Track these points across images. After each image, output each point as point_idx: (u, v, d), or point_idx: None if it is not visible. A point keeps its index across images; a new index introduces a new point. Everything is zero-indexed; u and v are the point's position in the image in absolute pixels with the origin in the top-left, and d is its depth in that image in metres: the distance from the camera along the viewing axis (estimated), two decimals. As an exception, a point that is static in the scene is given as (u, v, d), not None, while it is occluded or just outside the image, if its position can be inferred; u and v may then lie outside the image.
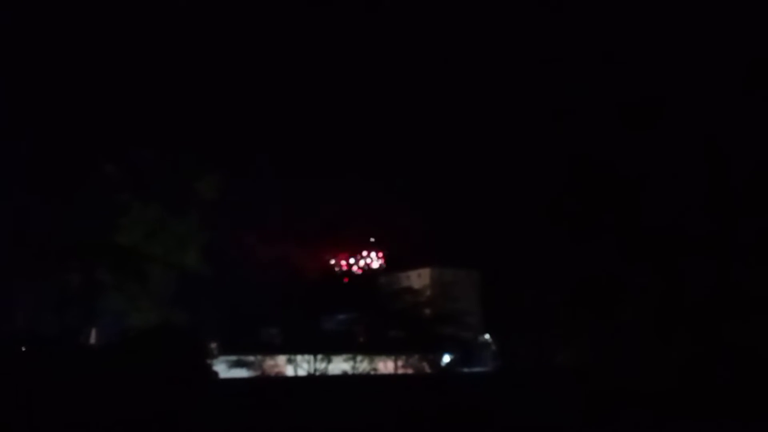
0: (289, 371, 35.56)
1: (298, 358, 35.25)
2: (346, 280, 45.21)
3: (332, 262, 44.53)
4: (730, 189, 33.38)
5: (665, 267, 33.13)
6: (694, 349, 30.78)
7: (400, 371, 37.63)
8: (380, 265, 47.15)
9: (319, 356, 35.05)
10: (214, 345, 35.72)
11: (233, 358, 34.81)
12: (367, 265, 46.76)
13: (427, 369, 38.36)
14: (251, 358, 34.97)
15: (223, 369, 34.02)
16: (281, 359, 35.93)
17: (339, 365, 35.68)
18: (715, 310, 31.44)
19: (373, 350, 36.92)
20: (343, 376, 34.02)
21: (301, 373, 35.04)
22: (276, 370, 35.52)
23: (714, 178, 33.63)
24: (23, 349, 31.72)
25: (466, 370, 39.54)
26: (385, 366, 37.63)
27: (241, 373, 34.04)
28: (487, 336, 43.46)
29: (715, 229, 33.11)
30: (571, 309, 35.60)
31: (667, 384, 28.33)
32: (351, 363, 35.78)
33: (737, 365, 29.18)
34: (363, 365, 35.97)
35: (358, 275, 45.82)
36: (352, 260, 46.56)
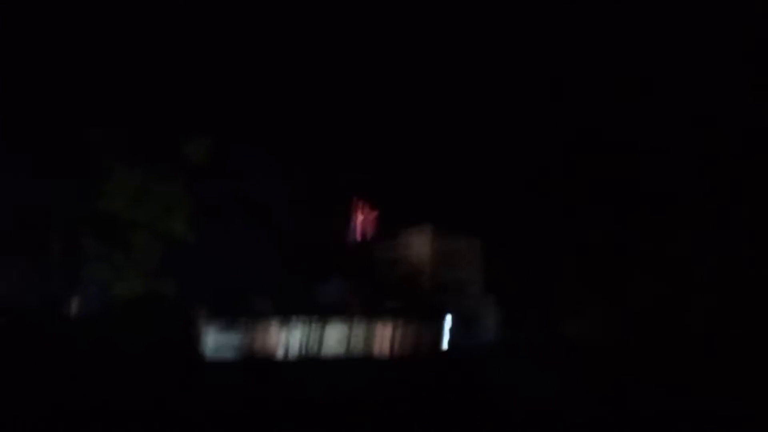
0: (282, 337, 35.67)
1: (292, 322, 35.26)
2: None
3: (325, 228, 44.37)
4: (730, 161, 34.01)
5: (666, 237, 33.71)
6: (694, 321, 31.49)
7: (398, 339, 37.70)
8: (375, 230, 46.92)
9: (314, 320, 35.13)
10: (202, 314, 35.92)
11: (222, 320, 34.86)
12: (362, 230, 46.62)
13: (428, 338, 38.56)
14: (242, 320, 35.00)
15: (212, 336, 34.14)
16: (273, 324, 35.94)
17: (335, 328, 35.82)
18: (715, 283, 32.06)
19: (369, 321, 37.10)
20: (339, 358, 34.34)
21: (295, 340, 35.14)
22: (267, 335, 35.53)
23: (713, 149, 34.19)
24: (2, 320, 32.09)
25: (467, 342, 39.84)
26: (383, 333, 37.60)
27: (230, 338, 34.16)
28: (489, 307, 43.61)
29: (714, 202, 33.79)
30: (576, 279, 36.02)
31: (672, 356, 28.95)
32: (347, 329, 35.84)
33: (736, 339, 29.72)
34: (360, 331, 35.98)
35: (351, 242, 45.76)
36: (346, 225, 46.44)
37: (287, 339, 35.29)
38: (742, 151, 34.00)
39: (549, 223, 37.89)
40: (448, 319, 39.90)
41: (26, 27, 44.77)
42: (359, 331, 36.09)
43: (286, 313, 35.57)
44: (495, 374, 29.43)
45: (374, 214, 46.41)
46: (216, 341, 33.57)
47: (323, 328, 35.18)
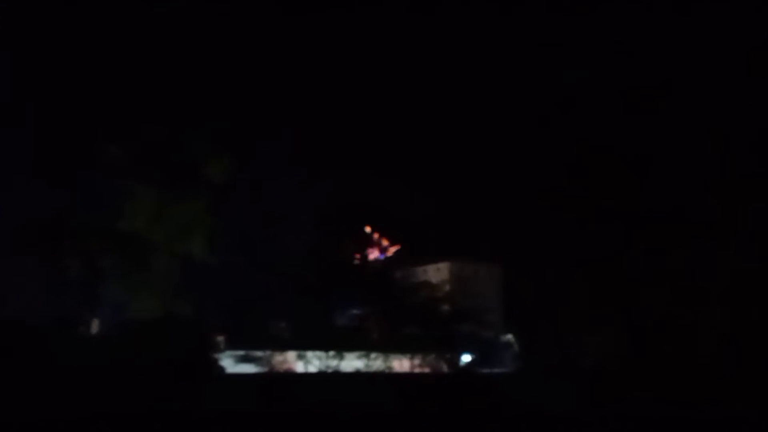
0: (299, 368, 35.52)
1: (309, 354, 35.20)
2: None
3: (345, 253, 44.27)
4: (736, 174, 33.71)
5: (678, 256, 33.51)
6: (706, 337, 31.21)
7: (416, 370, 37.48)
8: (395, 256, 46.82)
9: (331, 353, 35.04)
10: (220, 338, 35.73)
11: (240, 353, 34.80)
12: (383, 256, 46.53)
13: (445, 369, 38.24)
14: (259, 353, 34.95)
15: (229, 364, 34.07)
16: (291, 355, 35.83)
17: (351, 362, 35.61)
18: (722, 298, 31.88)
19: (387, 347, 36.84)
20: (356, 374, 34.04)
21: (312, 370, 35.01)
22: (285, 366, 35.44)
23: (719, 163, 33.94)
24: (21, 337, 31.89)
25: (486, 370, 39.40)
26: (401, 365, 37.48)
27: (248, 368, 34.04)
28: (509, 335, 43.19)
29: (721, 216, 33.48)
30: (594, 306, 35.73)
31: (689, 376, 28.78)
32: (364, 360, 35.71)
33: (745, 352, 29.42)
34: (377, 363, 35.88)
35: (372, 268, 45.61)
36: (366, 251, 46.34)
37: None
38: (747, 166, 33.89)
39: (562, 243, 37.59)
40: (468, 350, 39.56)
41: (52, 46, 45.43)
42: (376, 363, 35.78)
43: (303, 339, 35.33)
44: (513, 404, 29.04)
45: (395, 246, 46.35)
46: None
47: (340, 360, 34.90)
